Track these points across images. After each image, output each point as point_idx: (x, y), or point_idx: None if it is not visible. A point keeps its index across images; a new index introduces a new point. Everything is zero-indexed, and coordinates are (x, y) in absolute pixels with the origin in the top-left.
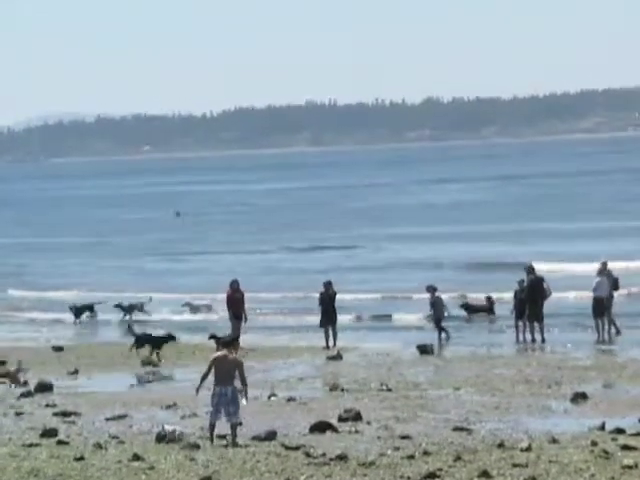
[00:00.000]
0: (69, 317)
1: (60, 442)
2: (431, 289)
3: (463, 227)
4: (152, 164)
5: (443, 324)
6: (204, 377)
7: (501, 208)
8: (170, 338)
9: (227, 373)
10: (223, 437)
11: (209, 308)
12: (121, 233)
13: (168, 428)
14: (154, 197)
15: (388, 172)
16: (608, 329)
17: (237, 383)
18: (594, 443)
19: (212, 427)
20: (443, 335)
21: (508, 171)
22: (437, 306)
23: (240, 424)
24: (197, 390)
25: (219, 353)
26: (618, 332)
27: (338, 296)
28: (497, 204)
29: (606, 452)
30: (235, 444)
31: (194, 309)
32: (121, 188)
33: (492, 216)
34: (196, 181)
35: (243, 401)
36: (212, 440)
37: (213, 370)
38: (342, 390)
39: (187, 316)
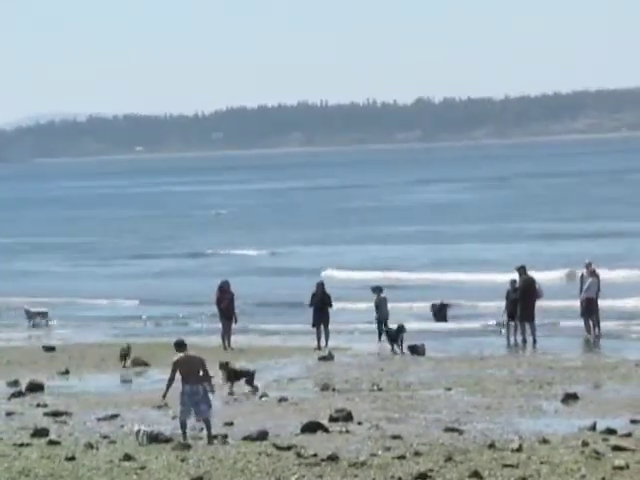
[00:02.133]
0: None
1: (51, 442)
2: (377, 290)
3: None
4: (142, 164)
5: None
6: (170, 381)
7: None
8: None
9: (194, 372)
10: (215, 437)
11: (44, 316)
12: (77, 234)
13: (145, 429)
14: (135, 197)
15: (371, 174)
16: (597, 329)
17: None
18: (585, 444)
19: (184, 425)
20: (383, 337)
21: (488, 173)
22: (381, 307)
23: (209, 418)
24: (164, 396)
25: (181, 355)
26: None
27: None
28: (458, 206)
29: (597, 453)
30: (211, 439)
31: (30, 316)
32: (101, 188)
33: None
34: (181, 182)
35: (209, 395)
36: (185, 437)
37: (179, 372)
38: (333, 390)
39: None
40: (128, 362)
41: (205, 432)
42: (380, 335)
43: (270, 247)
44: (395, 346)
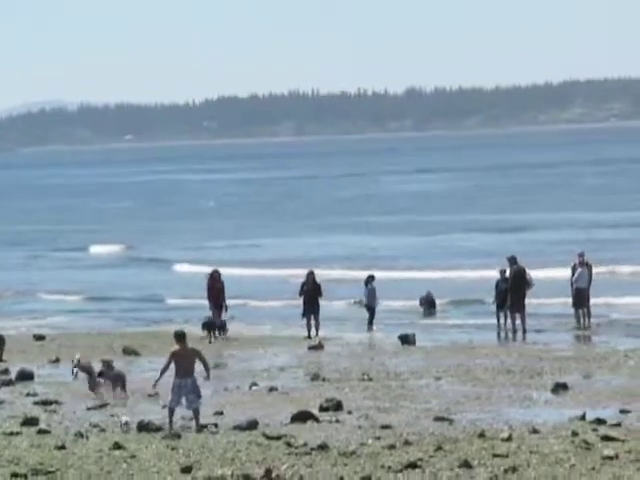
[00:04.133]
0: None
1: (41, 431)
2: (370, 278)
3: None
4: (130, 154)
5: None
6: (163, 371)
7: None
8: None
9: (187, 366)
10: (205, 427)
11: None
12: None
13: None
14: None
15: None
16: (588, 320)
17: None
18: (575, 433)
19: (171, 412)
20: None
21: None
22: (371, 295)
23: (199, 406)
24: (154, 384)
25: (177, 347)
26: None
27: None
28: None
29: (586, 442)
30: (199, 428)
31: None
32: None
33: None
34: (171, 170)
35: (204, 379)
36: (171, 425)
37: (173, 363)
38: (323, 380)
39: None
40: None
41: (194, 421)
42: (370, 324)
43: (203, 239)
44: (213, 333)
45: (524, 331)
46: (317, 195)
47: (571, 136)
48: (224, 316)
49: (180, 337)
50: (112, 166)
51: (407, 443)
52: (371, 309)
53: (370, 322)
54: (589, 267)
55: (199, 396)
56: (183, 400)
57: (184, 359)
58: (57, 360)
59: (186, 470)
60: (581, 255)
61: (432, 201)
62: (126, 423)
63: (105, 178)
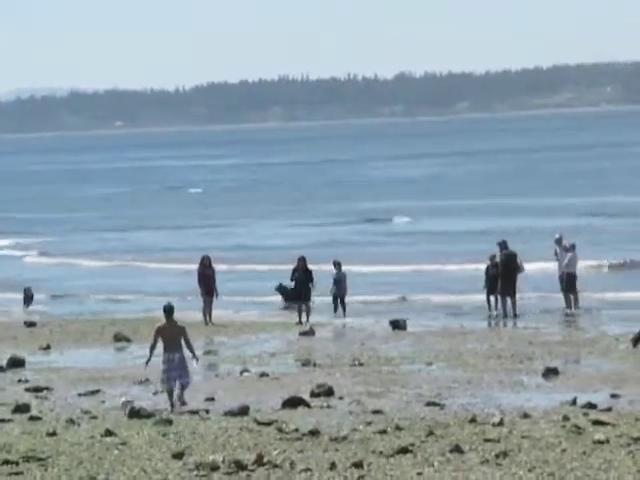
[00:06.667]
0: None
1: (32, 418)
2: (337, 265)
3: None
4: (118, 140)
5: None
6: (152, 348)
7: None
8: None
9: (173, 340)
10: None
11: None
12: None
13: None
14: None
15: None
16: (577, 304)
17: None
18: (566, 418)
19: (170, 394)
20: (339, 310)
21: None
22: (340, 283)
23: (187, 383)
24: (147, 363)
25: (162, 322)
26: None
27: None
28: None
29: (577, 427)
30: (182, 401)
31: None
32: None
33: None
34: (160, 157)
35: (194, 363)
36: (172, 406)
37: (160, 339)
38: (314, 365)
39: None
40: None
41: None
42: (336, 309)
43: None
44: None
45: (515, 316)
46: (297, 182)
47: (563, 121)
48: (215, 302)
49: (168, 312)
50: (91, 152)
51: (398, 428)
52: (342, 296)
53: (336, 309)
54: (575, 251)
55: (182, 375)
56: (173, 376)
57: (169, 334)
58: (48, 347)
59: (177, 456)
60: (560, 240)
61: (417, 186)
62: (127, 402)
63: (86, 165)
